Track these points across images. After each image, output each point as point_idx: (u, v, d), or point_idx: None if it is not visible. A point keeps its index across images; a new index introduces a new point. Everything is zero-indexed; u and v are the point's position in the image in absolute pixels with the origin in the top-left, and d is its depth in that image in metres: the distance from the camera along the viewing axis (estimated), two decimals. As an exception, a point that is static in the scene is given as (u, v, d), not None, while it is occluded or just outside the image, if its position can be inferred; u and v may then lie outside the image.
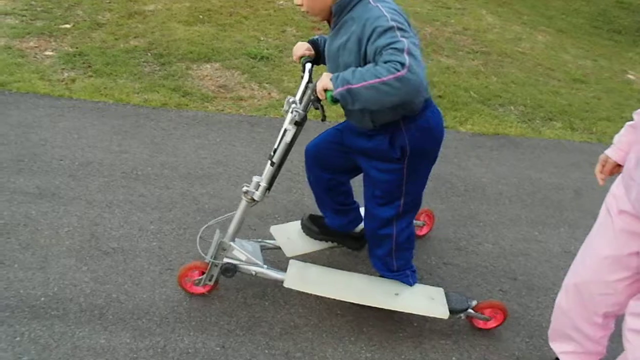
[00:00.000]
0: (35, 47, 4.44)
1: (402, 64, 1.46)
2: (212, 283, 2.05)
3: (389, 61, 1.48)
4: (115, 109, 3.57)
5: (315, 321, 2.06)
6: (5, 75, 3.86)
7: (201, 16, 5.44)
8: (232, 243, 1.98)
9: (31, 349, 1.81)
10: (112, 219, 2.45)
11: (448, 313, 1.94)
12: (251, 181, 1.86)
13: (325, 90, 1.59)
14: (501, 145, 3.78)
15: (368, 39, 1.56)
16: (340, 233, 2.24)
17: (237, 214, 1.94)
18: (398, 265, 2.03)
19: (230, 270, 1.98)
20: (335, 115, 3.79)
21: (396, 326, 2.09)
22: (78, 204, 2.53)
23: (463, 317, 2.06)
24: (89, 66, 4.24)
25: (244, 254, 1.99)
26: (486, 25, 6.65)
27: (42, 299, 2.00)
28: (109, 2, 5.40)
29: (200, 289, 2.07)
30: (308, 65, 1.86)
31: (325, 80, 1.58)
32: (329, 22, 1.76)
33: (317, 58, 1.93)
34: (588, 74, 5.82)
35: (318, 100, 1.68)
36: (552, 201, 3.11)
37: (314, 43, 1.93)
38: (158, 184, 2.78)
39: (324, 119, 1.72)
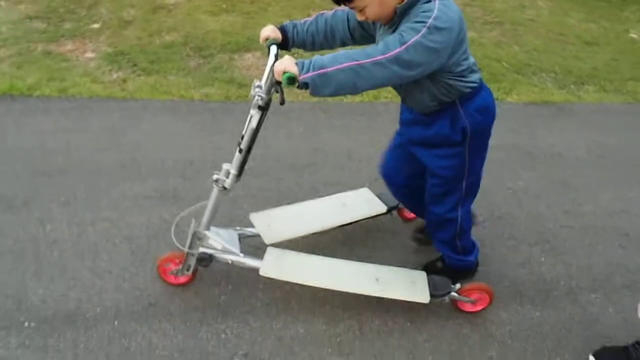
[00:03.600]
0: (74, 49, 4.37)
1: (388, 50, 1.49)
2: (190, 273, 2.03)
3: (384, 43, 1.51)
4: (185, 106, 3.59)
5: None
6: (58, 81, 3.81)
7: (224, 5, 5.41)
8: (207, 232, 1.95)
9: (242, 344, 1.92)
10: (246, 214, 2.49)
11: (429, 297, 1.92)
12: (221, 169, 1.84)
13: (284, 73, 1.54)
14: (554, 113, 3.99)
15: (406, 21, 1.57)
16: None
17: (210, 203, 1.90)
18: (462, 246, 2.08)
19: (205, 259, 1.95)
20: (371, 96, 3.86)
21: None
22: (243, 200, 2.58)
23: (447, 301, 2.03)
24: (135, 65, 4.21)
25: (219, 242, 1.96)
26: (490, -6, 6.81)
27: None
28: (129, -2, 5.30)
29: (179, 279, 2.07)
30: (273, 48, 1.79)
31: (287, 63, 1.54)
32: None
33: (284, 43, 1.87)
34: (596, 36, 6.07)
35: (277, 83, 1.62)
36: (629, 161, 3.34)
37: (282, 29, 1.88)
38: (270, 177, 2.86)
39: (282, 102, 1.63)
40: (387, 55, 1.49)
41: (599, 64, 5.18)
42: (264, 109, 1.73)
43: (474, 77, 1.75)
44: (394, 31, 1.63)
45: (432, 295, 1.93)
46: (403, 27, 1.55)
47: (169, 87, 3.93)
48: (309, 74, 1.51)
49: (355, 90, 1.58)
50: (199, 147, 3.09)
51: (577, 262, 2.44)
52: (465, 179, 1.90)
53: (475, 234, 2.20)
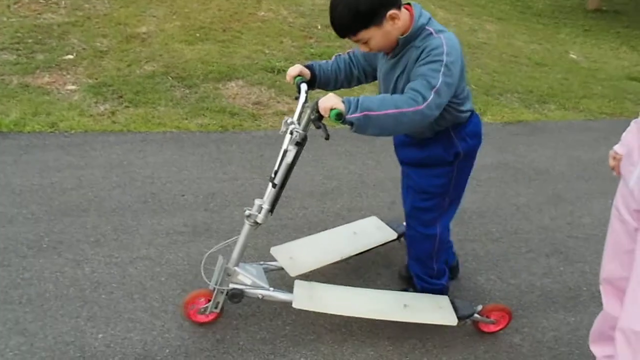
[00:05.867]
0: (53, 82, 4.24)
1: (425, 99, 1.57)
2: (218, 310, 2.03)
3: (414, 91, 1.58)
4: (186, 138, 3.59)
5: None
6: (44, 116, 3.70)
7: (198, 34, 5.43)
8: (236, 268, 1.96)
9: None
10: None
11: (456, 320, 1.98)
12: (253, 204, 1.85)
13: (331, 110, 1.59)
14: (529, 131, 4.33)
15: (417, 60, 1.66)
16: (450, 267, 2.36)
17: (241, 238, 1.91)
18: (437, 269, 2.12)
19: (237, 295, 1.96)
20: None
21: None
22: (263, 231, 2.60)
23: (469, 322, 2.10)
24: (120, 96, 4.15)
25: (249, 277, 1.98)
26: (442, 20, 7.22)
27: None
28: (98, 27, 5.20)
29: (205, 318, 2.05)
30: (304, 86, 1.87)
31: (333, 100, 1.59)
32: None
33: (311, 81, 1.95)
34: (543, 57, 6.61)
35: (319, 119, 1.68)
36: (608, 174, 3.67)
37: (309, 67, 1.97)
38: (294, 205, 2.93)
39: (327, 137, 1.66)
40: (427, 102, 1.58)
41: (553, 83, 5.65)
42: (300, 144, 1.77)
43: (469, 105, 1.89)
44: (397, 61, 1.76)
45: (459, 318, 2.00)
46: (421, 69, 1.63)
47: (161, 118, 3.90)
48: (356, 115, 1.57)
49: (393, 133, 1.73)
50: (215, 179, 3.11)
51: (590, 269, 2.67)
52: (449, 195, 1.99)
53: (496, 249, 2.35)
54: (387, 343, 2.09)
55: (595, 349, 1.88)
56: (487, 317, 2.10)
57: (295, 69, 1.93)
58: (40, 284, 2.21)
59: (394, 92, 1.80)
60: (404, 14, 1.69)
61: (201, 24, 5.65)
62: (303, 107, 1.82)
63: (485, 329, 2.15)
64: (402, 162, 2.11)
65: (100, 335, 2.00)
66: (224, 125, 3.90)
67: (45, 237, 2.48)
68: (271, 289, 2.02)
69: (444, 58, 1.62)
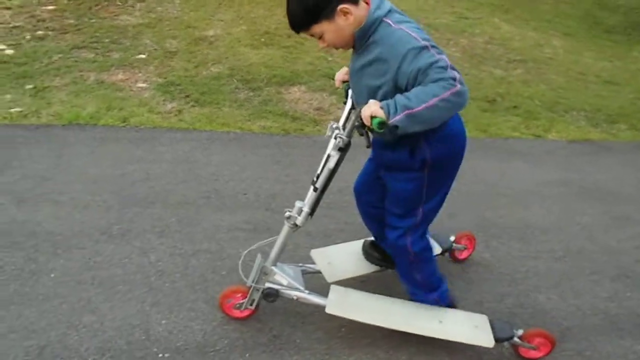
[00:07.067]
0: (126, 79, 4.44)
1: (454, 79, 1.52)
2: (253, 307, 2.05)
3: (440, 79, 1.52)
4: (250, 139, 3.68)
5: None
6: (117, 111, 3.88)
7: (263, 39, 5.56)
8: (273, 267, 1.98)
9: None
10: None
11: (493, 342, 1.92)
12: (294, 206, 1.87)
13: (372, 117, 1.58)
14: (595, 150, 4.19)
15: (402, 61, 1.58)
16: None
17: (280, 239, 1.94)
18: (421, 279, 2.05)
19: (272, 294, 1.99)
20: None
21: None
22: (298, 235, 2.65)
23: (507, 346, 2.05)
24: (187, 96, 4.30)
25: (285, 278, 2.00)
26: (507, 34, 7.11)
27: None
28: (169, 30, 5.42)
29: (239, 313, 2.08)
30: (351, 92, 1.87)
31: (373, 108, 1.58)
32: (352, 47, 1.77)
33: None
34: (613, 75, 6.36)
35: (363, 126, 1.66)
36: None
37: None
38: (351, 211, 2.94)
39: (369, 145, 1.68)
40: (457, 80, 1.53)
41: (624, 102, 5.42)
42: (344, 150, 1.77)
43: None
44: (359, 56, 1.71)
45: (495, 340, 1.94)
46: (414, 65, 1.56)
47: (225, 118, 4.02)
48: (398, 117, 1.55)
49: (439, 123, 1.63)
50: (276, 180, 3.17)
51: (660, 296, 2.55)
52: (422, 205, 1.91)
53: (559, 269, 2.27)
54: (443, 353, 2.07)
55: None
56: (528, 342, 2.02)
57: (341, 74, 1.95)
58: (110, 268, 2.32)
59: (360, 89, 1.76)
60: (360, 9, 1.65)
61: (266, 29, 5.79)
62: (349, 112, 1.83)
63: (525, 355, 2.06)
64: (380, 167, 2.03)
65: (163, 322, 2.08)
66: (286, 128, 3.98)
67: (115, 224, 2.60)
68: (306, 291, 2.03)
69: (424, 42, 1.57)
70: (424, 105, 1.53)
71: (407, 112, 1.55)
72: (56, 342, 1.94)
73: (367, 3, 1.68)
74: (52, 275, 2.25)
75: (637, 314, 2.43)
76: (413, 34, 1.60)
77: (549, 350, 2.03)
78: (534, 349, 2.03)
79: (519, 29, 7.42)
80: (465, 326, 2.00)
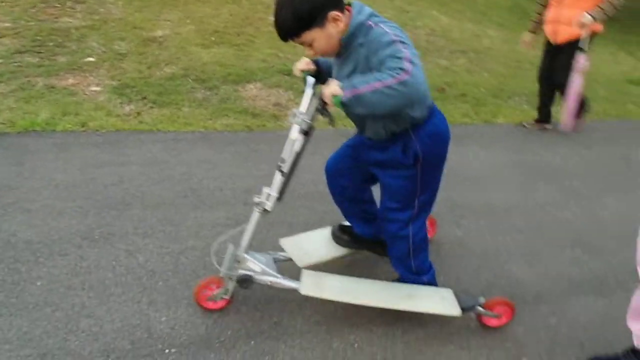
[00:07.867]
0: (77, 83, 4.33)
1: (402, 69, 1.55)
2: (228, 297, 2.09)
3: (390, 67, 1.57)
4: (215, 138, 3.69)
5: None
6: (72, 115, 3.79)
7: (213, 38, 5.54)
8: (246, 255, 2.02)
9: (375, 350, 2.07)
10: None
11: (460, 311, 2.03)
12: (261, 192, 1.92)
13: (333, 96, 1.65)
14: (541, 131, 4.49)
15: (374, 54, 1.67)
16: (369, 240, 2.37)
17: (250, 226, 1.97)
18: (416, 265, 2.15)
19: (246, 281, 2.03)
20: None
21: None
22: (281, 227, 2.72)
23: (474, 316, 2.17)
24: (144, 97, 4.25)
25: (258, 265, 2.04)
26: (446, 25, 7.43)
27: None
28: (115, 31, 5.30)
29: (217, 304, 2.12)
30: (309, 79, 1.96)
31: (333, 87, 1.65)
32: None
33: (318, 74, 2.00)
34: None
35: (324, 107, 1.73)
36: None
37: (314, 62, 2.02)
38: (327, 199, 3.03)
39: (332, 123, 1.76)
40: (408, 71, 1.55)
41: (558, 87, 5.80)
42: (307, 133, 1.86)
43: (427, 102, 1.88)
44: (343, 61, 1.80)
45: (462, 310, 2.05)
46: (379, 56, 1.63)
47: (187, 118, 4.00)
48: (347, 95, 1.62)
49: (381, 111, 1.65)
50: (249, 175, 3.21)
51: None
52: (418, 197, 2.01)
53: (524, 241, 2.47)
54: (437, 323, 2.21)
55: (633, 325, 2.01)
56: (491, 310, 2.14)
57: (301, 64, 2.01)
58: (99, 271, 2.30)
59: None
60: (346, 15, 1.73)
61: (215, 28, 5.76)
62: (310, 98, 1.91)
63: (488, 323, 2.18)
64: (367, 164, 2.12)
65: (163, 319, 2.09)
66: (249, 125, 4.01)
67: (96, 229, 2.57)
68: (280, 276, 2.09)
69: (394, 37, 1.64)
70: (368, 88, 1.58)
71: (354, 91, 1.61)
72: (56, 348, 1.91)
73: (348, 10, 1.76)
74: (39, 283, 2.20)
75: (595, 274, 2.68)
76: (388, 30, 1.69)
77: (510, 317, 2.17)
78: (496, 316, 2.16)
79: (457, 21, 7.77)
80: (433, 299, 2.12)
